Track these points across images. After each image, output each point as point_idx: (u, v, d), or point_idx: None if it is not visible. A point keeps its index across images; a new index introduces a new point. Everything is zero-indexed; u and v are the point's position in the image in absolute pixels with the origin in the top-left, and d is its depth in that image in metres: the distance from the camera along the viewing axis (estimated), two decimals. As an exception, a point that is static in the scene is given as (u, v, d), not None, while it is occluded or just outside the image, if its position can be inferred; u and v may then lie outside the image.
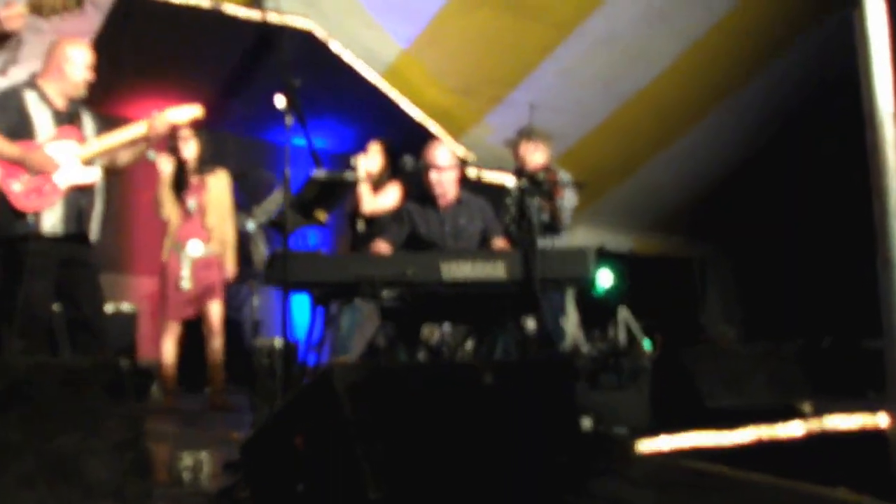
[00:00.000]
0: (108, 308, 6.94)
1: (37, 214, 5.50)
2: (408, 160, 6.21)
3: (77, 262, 5.71)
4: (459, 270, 5.60)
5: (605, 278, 12.43)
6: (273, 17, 8.55)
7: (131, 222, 8.99)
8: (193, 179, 7.34)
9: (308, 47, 8.92)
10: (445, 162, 6.52)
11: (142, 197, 7.62)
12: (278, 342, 6.02)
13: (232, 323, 8.09)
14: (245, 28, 8.51)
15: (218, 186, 7.37)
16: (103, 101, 8.24)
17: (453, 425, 3.31)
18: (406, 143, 7.06)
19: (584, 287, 6.16)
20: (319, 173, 5.69)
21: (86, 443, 2.50)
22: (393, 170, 7.37)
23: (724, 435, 5.62)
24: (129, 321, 6.95)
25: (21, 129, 5.56)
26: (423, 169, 6.50)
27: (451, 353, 6.27)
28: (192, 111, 6.02)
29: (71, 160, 5.63)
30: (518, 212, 5.74)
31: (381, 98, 9.64)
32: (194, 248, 7.11)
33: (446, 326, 6.33)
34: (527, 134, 7.04)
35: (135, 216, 8.90)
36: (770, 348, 6.03)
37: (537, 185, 6.52)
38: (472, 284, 5.62)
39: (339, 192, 5.82)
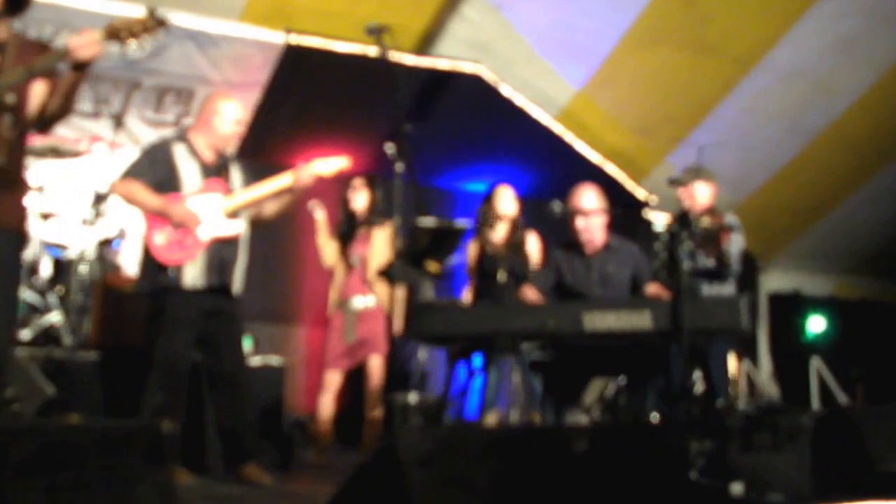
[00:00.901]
0: (256, 361, 6.91)
1: (178, 267, 5.55)
2: (556, 205, 6.01)
3: (219, 314, 5.74)
4: (603, 321, 5.35)
5: (815, 325, 11.88)
6: (442, 64, 8.50)
7: (299, 273, 9.02)
8: (361, 231, 7.29)
9: (479, 91, 8.80)
10: (592, 206, 6.27)
11: (308, 247, 7.58)
12: (412, 397, 5.87)
13: (398, 377, 8.03)
14: (414, 74, 8.48)
15: (382, 238, 7.30)
16: (276, 150, 8.41)
17: (538, 498, 3.04)
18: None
19: (736, 337, 5.78)
20: (426, 221, 5.54)
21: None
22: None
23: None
24: (276, 375, 6.89)
25: (168, 181, 5.65)
26: (569, 214, 6.28)
27: (606, 409, 6.03)
28: (338, 162, 5.99)
29: (214, 213, 5.66)
30: (669, 257, 5.43)
31: (556, 141, 9.43)
32: (357, 303, 7.04)
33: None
34: (693, 174, 6.69)
35: (302, 266, 8.93)
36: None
37: (702, 228, 6.22)
38: (616, 335, 5.35)
39: (452, 241, 5.63)
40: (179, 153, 5.74)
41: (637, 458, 3.37)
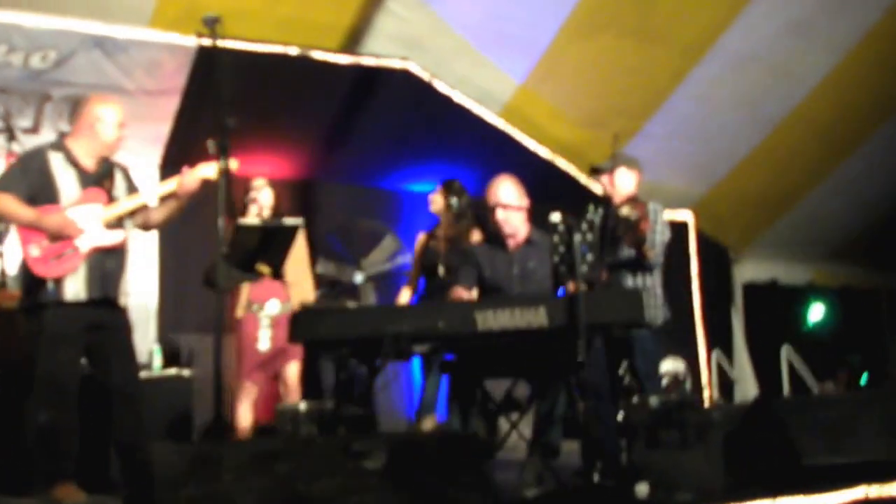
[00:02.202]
0: (164, 372, 6.57)
1: (58, 280, 5.21)
2: (453, 200, 5.64)
3: (104, 326, 5.40)
4: (496, 319, 4.97)
5: (816, 313, 11.63)
6: (368, 61, 8.14)
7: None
8: (269, 232, 6.94)
9: (410, 88, 8.42)
10: (511, 199, 5.90)
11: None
12: (302, 405, 5.50)
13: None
14: (340, 73, 8.12)
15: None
16: (202, 159, 8.04)
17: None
18: (536, 183, 6.50)
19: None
20: (248, 220, 5.20)
21: None
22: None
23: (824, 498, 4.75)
24: (185, 386, 6.54)
25: (43, 191, 5.31)
26: (488, 208, 5.93)
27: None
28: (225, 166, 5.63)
29: (94, 223, 5.32)
30: (566, 249, 5.03)
31: (501, 137, 9.03)
32: (272, 307, 6.68)
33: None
34: (615, 161, 6.31)
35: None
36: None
37: (622, 217, 5.85)
38: (511, 334, 4.96)
39: (283, 240, 5.25)
40: (56, 162, 5.39)
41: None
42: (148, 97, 7.63)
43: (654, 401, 5.05)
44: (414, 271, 7.26)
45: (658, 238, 6.09)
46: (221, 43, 7.46)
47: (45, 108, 7.49)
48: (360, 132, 8.50)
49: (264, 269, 5.12)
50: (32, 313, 5.29)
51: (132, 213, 5.56)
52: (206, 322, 7.05)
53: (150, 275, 8.04)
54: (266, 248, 5.09)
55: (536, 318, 4.94)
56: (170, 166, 8.08)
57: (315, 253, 7.82)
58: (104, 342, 5.43)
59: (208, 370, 7.24)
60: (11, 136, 6.82)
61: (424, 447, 3.18)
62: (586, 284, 5.05)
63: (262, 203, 6.89)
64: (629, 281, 6.11)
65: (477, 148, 8.71)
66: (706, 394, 9.91)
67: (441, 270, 6.75)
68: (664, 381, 8.94)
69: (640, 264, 6.06)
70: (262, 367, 6.69)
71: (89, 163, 5.47)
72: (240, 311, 6.75)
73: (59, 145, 5.49)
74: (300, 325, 5.23)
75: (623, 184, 6.24)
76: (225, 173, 4.76)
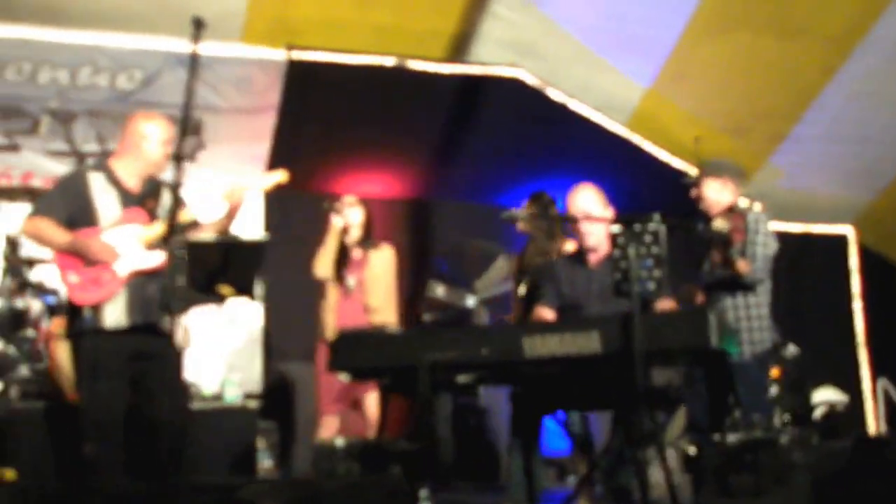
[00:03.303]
0: (229, 404, 6.17)
1: (96, 307, 4.86)
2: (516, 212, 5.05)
3: (149, 356, 4.99)
4: (545, 345, 4.32)
5: None
6: (473, 69, 7.60)
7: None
8: (356, 254, 6.47)
9: (521, 97, 7.83)
10: (592, 209, 5.23)
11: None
12: (339, 440, 4.95)
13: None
14: (443, 83, 7.61)
15: (381, 262, 6.46)
16: (306, 179, 7.68)
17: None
18: (668, 196, 5.89)
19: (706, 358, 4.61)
20: (202, 236, 4.65)
21: None
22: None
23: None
24: (250, 418, 6.09)
25: (83, 214, 4.94)
26: (569, 219, 5.30)
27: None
28: (273, 178, 5.21)
29: (133, 245, 4.95)
30: (623, 269, 4.35)
31: (627, 147, 8.32)
32: None
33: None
34: (702, 171, 5.59)
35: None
36: None
37: (714, 232, 5.15)
38: (562, 361, 4.32)
39: (249, 257, 4.68)
40: (96, 183, 5.03)
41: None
42: (241, 115, 7.34)
43: (731, 438, 4.29)
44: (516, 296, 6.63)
45: (760, 251, 5.35)
46: (311, 55, 7.28)
47: (140, 131, 7.27)
48: (471, 146, 7.97)
49: (226, 290, 4.60)
50: (74, 342, 4.97)
51: (181, 233, 5.17)
52: (311, 351, 6.76)
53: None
54: (228, 267, 4.57)
55: (589, 343, 4.27)
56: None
57: (426, 276, 7.36)
58: (149, 372, 5.02)
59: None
60: (80, 160, 6.59)
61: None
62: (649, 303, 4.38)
63: (350, 222, 6.44)
64: (727, 301, 5.38)
65: (599, 160, 7.96)
66: (871, 426, 8.85)
67: (521, 289, 6.12)
68: (817, 413, 8.02)
69: (737, 283, 5.31)
70: (341, 398, 6.21)
71: (133, 182, 5.09)
72: (328, 333, 6.27)
73: (101, 165, 5.13)
74: (339, 353, 4.71)
75: (713, 195, 5.52)
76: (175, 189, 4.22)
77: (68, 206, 4.96)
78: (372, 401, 6.23)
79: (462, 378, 4.55)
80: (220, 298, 4.69)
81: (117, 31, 6.81)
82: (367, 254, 6.46)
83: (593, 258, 5.23)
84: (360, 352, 4.69)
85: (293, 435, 6.98)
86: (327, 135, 7.58)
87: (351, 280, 6.41)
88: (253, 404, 6.21)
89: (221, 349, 7.71)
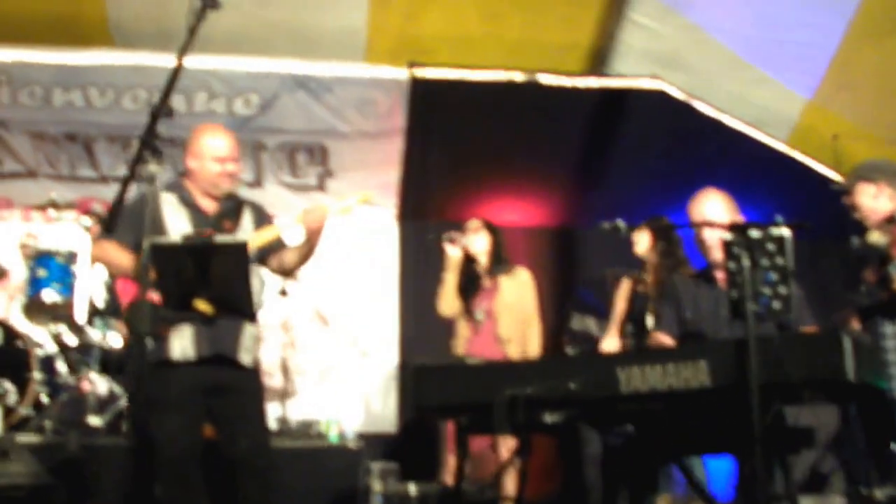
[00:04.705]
0: (330, 439, 5.53)
1: (163, 337, 4.29)
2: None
3: (224, 389, 4.41)
4: (644, 379, 3.50)
5: None
6: (612, 83, 6.79)
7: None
8: (485, 282, 5.79)
9: (664, 111, 6.97)
10: (719, 217, 4.36)
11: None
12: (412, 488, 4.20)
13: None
14: (578, 98, 6.83)
15: (514, 288, 5.77)
16: (443, 206, 7.06)
17: None
18: (834, 216, 4.90)
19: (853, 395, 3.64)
20: (165, 239, 3.89)
21: None
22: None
23: None
24: (353, 458, 5.38)
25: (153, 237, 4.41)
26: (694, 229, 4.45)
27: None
28: (354, 199, 4.55)
29: (202, 271, 4.36)
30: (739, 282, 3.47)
31: (786, 163, 7.32)
32: None
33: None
34: (860, 174, 4.62)
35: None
36: None
37: (868, 245, 4.25)
38: (665, 396, 3.47)
39: (224, 265, 3.85)
40: (168, 204, 4.51)
41: None
42: (367, 140, 6.82)
43: (880, 494, 3.35)
44: (617, 319, 5.79)
45: (925, 265, 4.33)
46: (434, 73, 6.63)
47: (263, 159, 6.79)
48: (613, 165, 7.15)
49: (203, 306, 3.89)
50: (139, 375, 4.41)
51: (265, 257, 4.57)
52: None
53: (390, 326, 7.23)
54: (203, 276, 3.83)
55: (696, 375, 3.43)
56: (410, 217, 7.17)
57: (569, 307, 6.63)
58: (226, 408, 4.46)
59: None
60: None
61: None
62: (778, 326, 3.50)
63: (474, 249, 5.78)
64: (887, 329, 4.39)
65: (756, 178, 6.99)
66: None
67: (650, 321, 5.29)
68: None
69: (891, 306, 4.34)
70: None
71: (208, 202, 4.54)
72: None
73: (174, 185, 4.61)
74: (417, 389, 4.00)
75: (868, 202, 4.54)
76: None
77: (137, 227, 4.40)
78: (508, 441, 5.46)
79: (550, 417, 3.74)
80: (196, 314, 3.98)
81: (231, 54, 6.35)
82: (496, 281, 5.78)
83: (721, 276, 4.34)
84: (437, 387, 3.97)
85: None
86: (458, 159, 6.95)
87: (479, 311, 5.75)
88: (355, 444, 5.52)
89: (354, 385, 7.14)
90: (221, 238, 4.09)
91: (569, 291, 7.33)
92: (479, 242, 5.86)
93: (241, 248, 3.98)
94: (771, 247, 3.52)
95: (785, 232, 3.48)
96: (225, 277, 3.89)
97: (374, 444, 6.14)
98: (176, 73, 3.48)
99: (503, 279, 5.81)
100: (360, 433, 6.33)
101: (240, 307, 4.08)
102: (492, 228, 5.92)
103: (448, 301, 5.84)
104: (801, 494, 3.79)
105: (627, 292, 5.76)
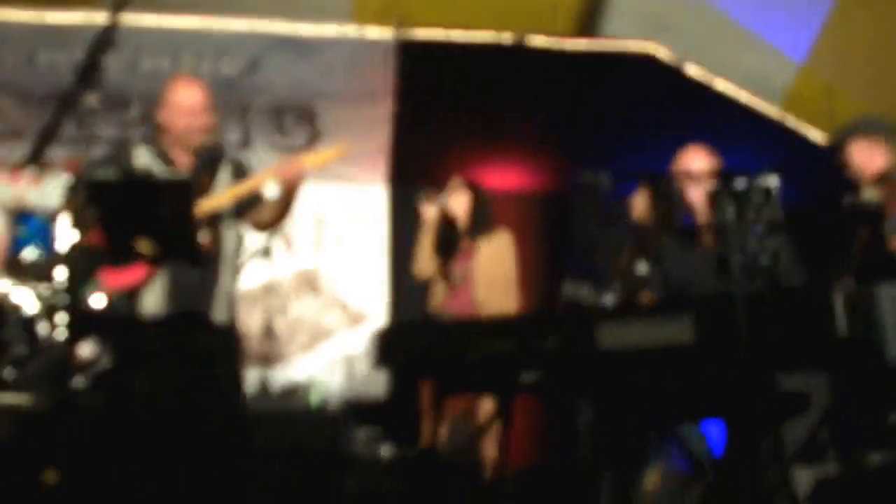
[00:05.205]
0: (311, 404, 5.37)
1: (131, 293, 4.11)
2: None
3: (195, 348, 4.23)
4: (623, 335, 3.33)
5: None
6: (600, 46, 6.61)
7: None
8: (463, 243, 5.59)
9: (655, 76, 6.79)
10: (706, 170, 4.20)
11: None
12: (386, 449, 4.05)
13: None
14: (565, 62, 6.65)
15: (491, 250, 5.55)
16: (432, 169, 6.87)
17: None
18: (829, 185, 4.73)
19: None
20: (100, 173, 3.70)
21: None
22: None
23: None
24: (334, 422, 5.19)
25: None
26: (676, 186, 4.28)
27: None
28: (330, 151, 4.35)
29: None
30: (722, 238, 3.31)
31: (778, 131, 7.14)
32: None
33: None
34: (856, 130, 4.42)
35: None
36: None
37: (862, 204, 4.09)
38: (646, 354, 3.31)
39: (169, 202, 3.66)
40: (141, 157, 4.32)
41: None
42: (355, 102, 6.64)
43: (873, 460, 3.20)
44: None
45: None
46: (422, 34, 6.46)
47: (251, 119, 6.63)
48: (604, 131, 6.94)
49: (145, 246, 3.67)
50: (109, 332, 4.27)
51: (242, 212, 4.37)
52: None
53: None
54: (145, 216, 3.62)
55: (679, 332, 3.25)
56: (400, 180, 7.00)
57: (562, 275, 6.48)
58: (197, 365, 4.28)
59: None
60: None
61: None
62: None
63: (453, 210, 5.59)
64: (882, 290, 4.20)
65: (747, 146, 6.79)
66: None
67: (641, 267, 5.09)
68: None
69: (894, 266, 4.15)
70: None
71: (182, 156, 4.35)
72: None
73: (148, 138, 4.43)
74: (384, 347, 3.83)
75: (862, 159, 4.35)
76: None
77: None
78: (486, 408, 5.30)
79: (527, 377, 3.56)
80: (136, 257, 3.79)
81: (218, 14, 6.18)
82: (474, 243, 5.58)
83: (709, 235, 4.19)
84: (410, 347, 3.80)
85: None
86: (447, 122, 6.73)
87: (457, 273, 5.56)
88: (336, 409, 5.37)
89: (342, 350, 7.01)
90: (162, 177, 3.92)
91: (557, 257, 7.18)
92: (458, 202, 5.66)
93: (184, 186, 3.81)
94: (757, 197, 3.36)
95: (772, 182, 3.32)
96: (167, 218, 3.71)
97: (361, 409, 6.00)
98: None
99: (482, 242, 5.59)
100: (347, 398, 6.21)
101: (183, 249, 3.89)
102: (474, 188, 5.71)
103: (422, 261, 5.67)
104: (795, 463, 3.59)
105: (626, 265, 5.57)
